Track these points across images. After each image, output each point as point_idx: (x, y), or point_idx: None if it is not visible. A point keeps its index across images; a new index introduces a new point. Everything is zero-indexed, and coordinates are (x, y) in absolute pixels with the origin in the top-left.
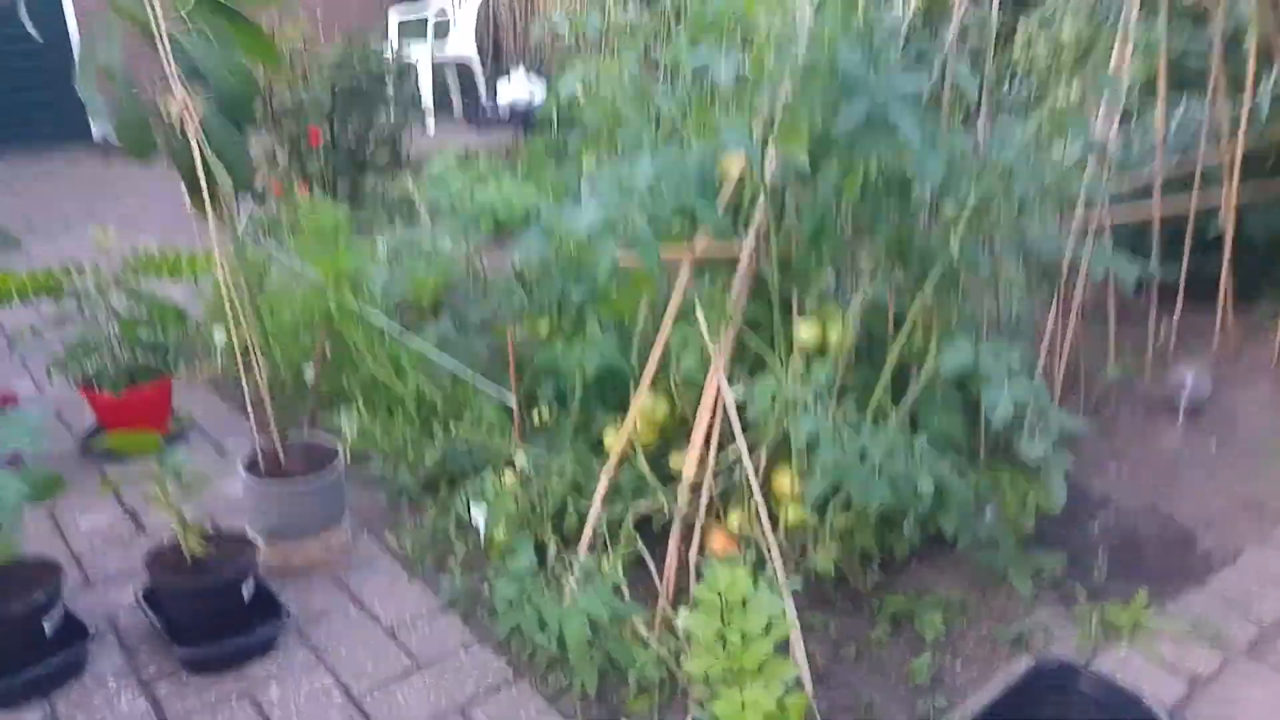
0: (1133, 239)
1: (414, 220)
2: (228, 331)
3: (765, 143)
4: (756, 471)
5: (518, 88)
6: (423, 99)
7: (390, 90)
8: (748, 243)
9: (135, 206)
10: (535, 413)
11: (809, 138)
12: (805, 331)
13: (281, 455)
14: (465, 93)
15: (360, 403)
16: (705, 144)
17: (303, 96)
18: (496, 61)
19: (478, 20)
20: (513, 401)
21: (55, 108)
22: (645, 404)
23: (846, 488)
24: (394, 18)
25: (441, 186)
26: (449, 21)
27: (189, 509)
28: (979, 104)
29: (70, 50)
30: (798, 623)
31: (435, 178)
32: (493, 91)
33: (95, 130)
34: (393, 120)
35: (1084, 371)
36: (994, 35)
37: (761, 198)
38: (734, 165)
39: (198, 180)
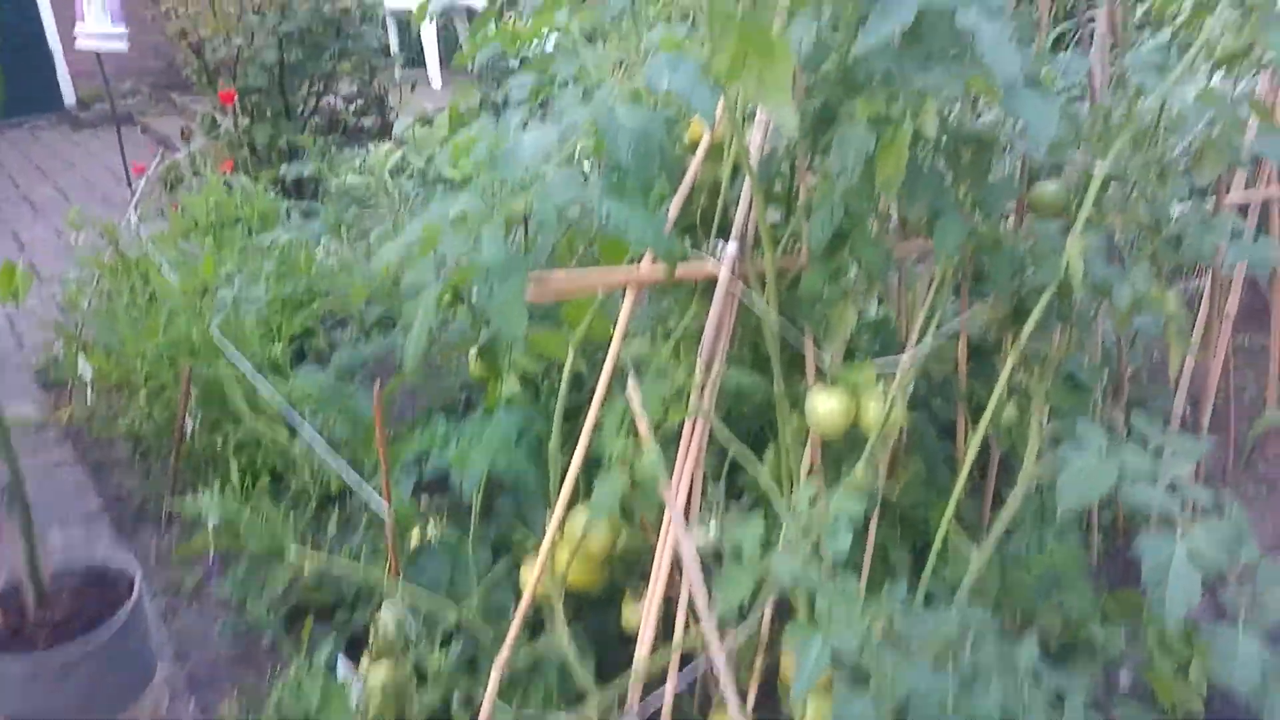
0: None
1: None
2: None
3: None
4: (749, 653)
5: None
6: (425, 50)
7: (371, 37)
8: (727, 255)
9: (72, 183)
10: (420, 528)
11: (816, 71)
12: (824, 404)
13: (31, 597)
14: None
15: (234, 472)
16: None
17: (239, 46)
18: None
19: None
20: (384, 507)
21: (26, 74)
22: (573, 523)
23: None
24: None
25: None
26: None
27: None
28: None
29: (40, 17)
30: None
31: (416, 140)
32: None
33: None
34: (370, 76)
35: (1234, 409)
36: None
37: (747, 181)
38: (696, 128)
39: None
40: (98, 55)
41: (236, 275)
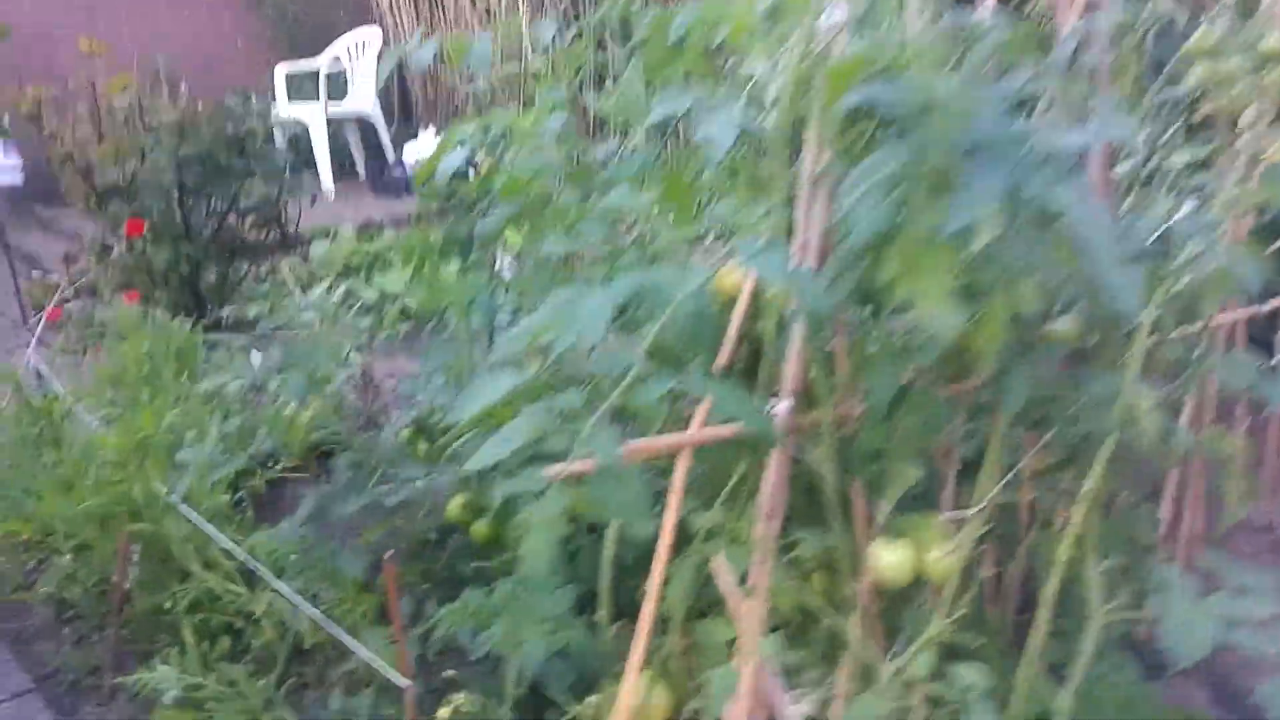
0: None
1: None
2: None
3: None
4: None
5: (426, 148)
6: (317, 163)
7: (278, 153)
8: (780, 413)
9: None
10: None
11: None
12: (888, 556)
13: None
14: (371, 155)
15: (189, 634)
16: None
17: (134, 170)
18: (406, 119)
19: (379, 73)
20: (402, 681)
21: None
22: (631, 692)
23: None
24: (281, 72)
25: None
26: (345, 74)
27: None
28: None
29: None
30: None
31: (324, 260)
32: (400, 153)
33: None
34: (274, 191)
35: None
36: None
37: (794, 338)
38: (732, 279)
39: None
40: None
41: (187, 434)
